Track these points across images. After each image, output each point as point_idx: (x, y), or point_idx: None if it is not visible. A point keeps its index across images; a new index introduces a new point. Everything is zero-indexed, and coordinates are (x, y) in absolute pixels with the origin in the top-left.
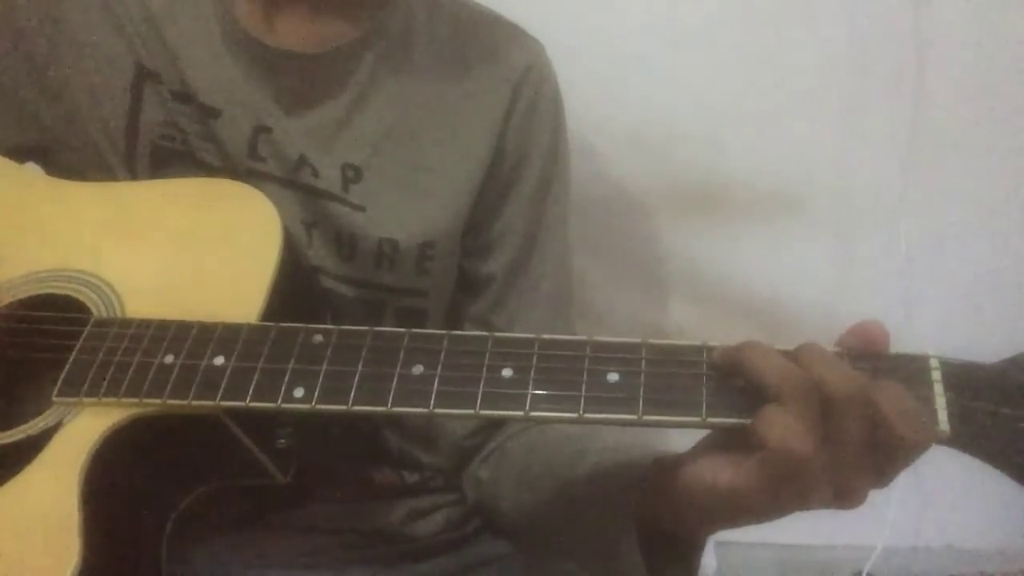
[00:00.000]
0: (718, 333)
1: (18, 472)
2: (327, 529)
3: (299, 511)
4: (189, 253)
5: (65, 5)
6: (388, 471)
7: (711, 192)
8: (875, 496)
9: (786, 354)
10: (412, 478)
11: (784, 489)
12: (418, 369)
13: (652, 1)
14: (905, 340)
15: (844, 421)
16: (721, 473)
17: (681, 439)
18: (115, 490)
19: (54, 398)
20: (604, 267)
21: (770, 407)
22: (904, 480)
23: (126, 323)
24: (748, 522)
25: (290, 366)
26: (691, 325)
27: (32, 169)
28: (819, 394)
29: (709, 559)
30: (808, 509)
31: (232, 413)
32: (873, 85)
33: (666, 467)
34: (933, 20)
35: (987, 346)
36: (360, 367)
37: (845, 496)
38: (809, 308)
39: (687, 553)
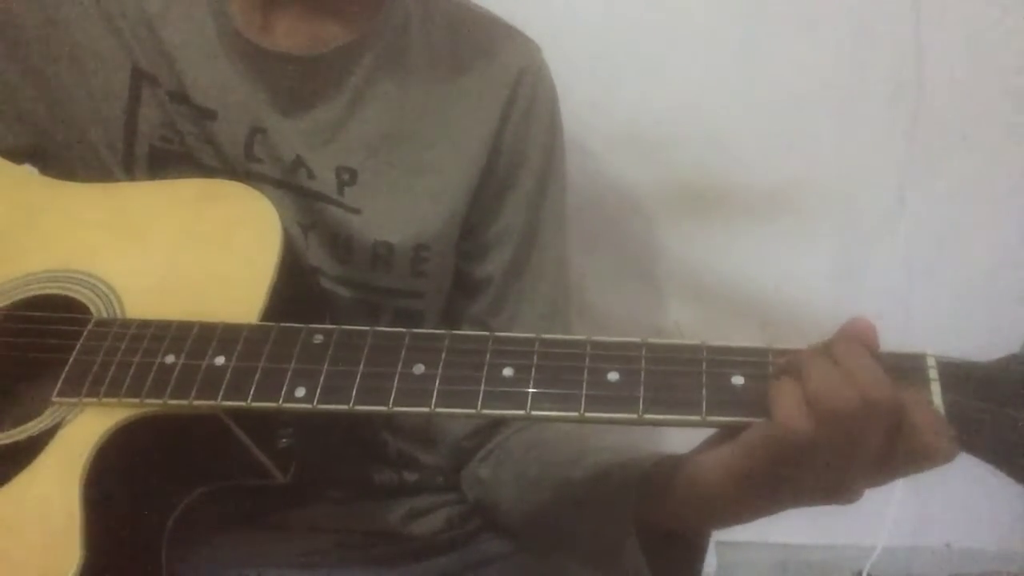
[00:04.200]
0: (717, 333)
1: (19, 472)
2: (327, 529)
3: (299, 511)
4: (189, 253)
5: (61, 8)
6: (388, 471)
7: (710, 192)
8: (875, 496)
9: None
10: (412, 478)
11: (782, 472)
12: (419, 368)
13: (650, 0)
14: (905, 340)
15: (862, 421)
16: (722, 458)
17: (681, 444)
18: (116, 490)
19: (54, 398)
20: (603, 268)
21: (789, 380)
22: (904, 480)
23: (126, 323)
24: (746, 512)
25: (291, 366)
26: (690, 325)
27: (30, 171)
28: (846, 390)
29: (709, 558)
30: (803, 505)
31: (233, 413)
32: (873, 85)
33: (667, 466)
34: (933, 20)
35: (987, 345)
36: (361, 367)
37: (842, 493)
38: (809, 308)
39: (690, 554)
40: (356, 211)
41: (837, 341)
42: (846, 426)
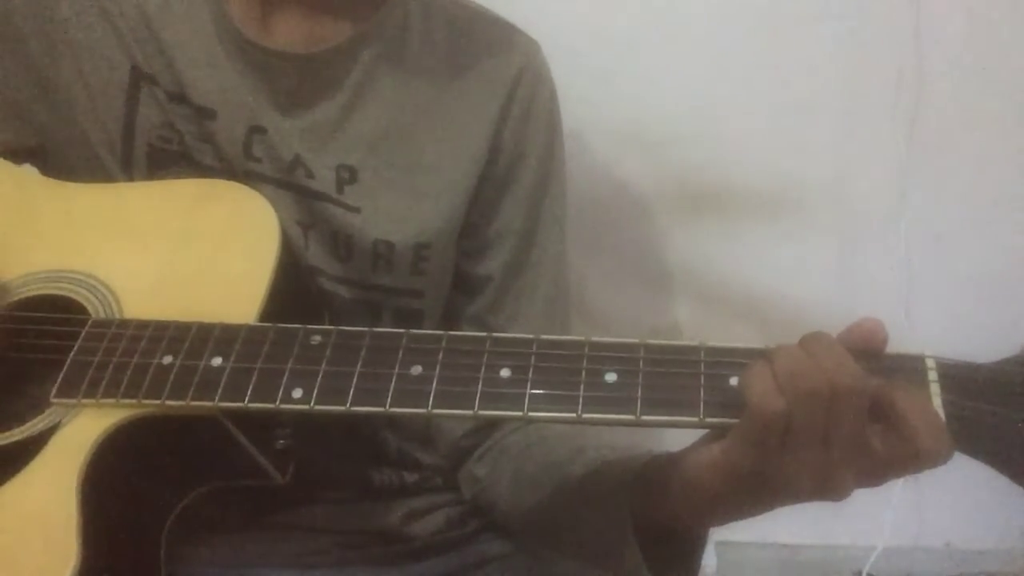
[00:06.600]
0: (718, 333)
1: (17, 473)
2: (327, 529)
3: (299, 511)
4: (187, 254)
5: (61, 7)
6: (387, 471)
7: (710, 192)
8: (875, 496)
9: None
10: (411, 478)
11: (764, 461)
12: (416, 369)
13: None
14: (904, 340)
15: (831, 403)
16: (712, 454)
17: (679, 442)
18: (114, 491)
19: (52, 399)
20: (603, 268)
21: (759, 364)
22: (903, 480)
23: (124, 324)
24: (739, 508)
25: (288, 367)
26: (690, 326)
27: (29, 170)
28: (812, 371)
29: (709, 559)
30: (795, 501)
31: (230, 414)
32: (873, 85)
33: (662, 463)
34: (933, 20)
35: (987, 346)
36: (359, 368)
37: (832, 489)
38: (809, 308)
39: (687, 552)
40: (356, 210)
41: (808, 335)
42: (816, 407)
